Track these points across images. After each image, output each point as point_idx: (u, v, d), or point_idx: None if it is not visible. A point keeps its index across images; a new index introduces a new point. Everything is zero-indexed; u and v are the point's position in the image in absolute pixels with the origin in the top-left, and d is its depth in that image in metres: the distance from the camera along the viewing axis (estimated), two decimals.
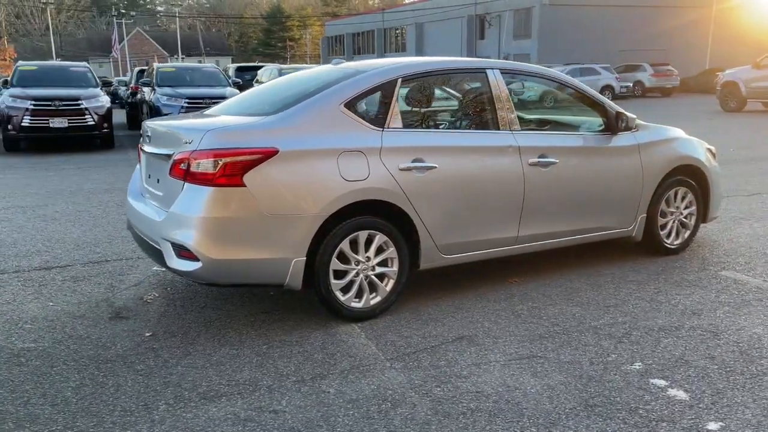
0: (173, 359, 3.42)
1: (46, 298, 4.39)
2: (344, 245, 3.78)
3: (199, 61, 68.16)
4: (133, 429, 2.75)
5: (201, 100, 12.82)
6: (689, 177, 5.26)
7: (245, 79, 18.99)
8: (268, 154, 3.54)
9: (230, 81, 15.69)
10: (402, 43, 54.88)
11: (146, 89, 14.97)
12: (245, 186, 3.48)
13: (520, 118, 4.55)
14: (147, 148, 4.11)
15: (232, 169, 3.46)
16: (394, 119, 3.99)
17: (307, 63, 70.35)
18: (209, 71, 15.83)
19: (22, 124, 12.48)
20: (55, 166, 10.95)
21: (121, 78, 37.74)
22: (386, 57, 55.19)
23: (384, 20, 56.42)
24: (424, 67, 4.27)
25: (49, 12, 69.05)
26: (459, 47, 47.37)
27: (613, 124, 4.81)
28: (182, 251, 3.56)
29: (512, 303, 4.23)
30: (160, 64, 16.37)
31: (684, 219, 5.31)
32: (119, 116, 18.84)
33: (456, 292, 4.41)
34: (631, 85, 33.69)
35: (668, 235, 5.24)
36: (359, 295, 3.90)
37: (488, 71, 4.41)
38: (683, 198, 5.26)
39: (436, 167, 4.02)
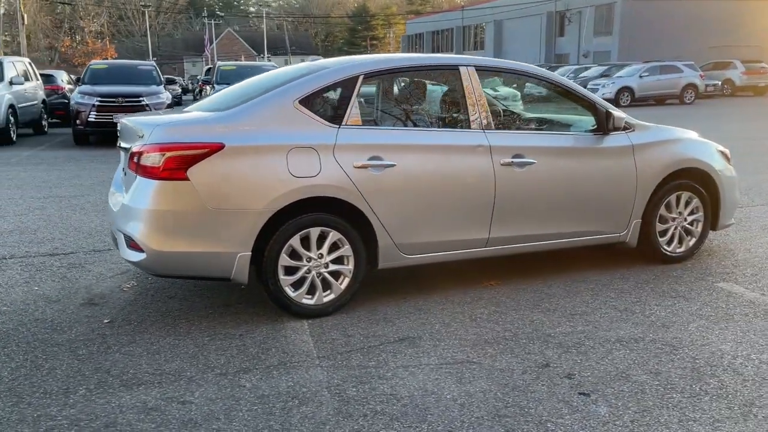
0: (116, 346, 3.54)
1: (34, 282, 4.64)
2: (294, 242, 3.79)
3: (286, 61, 69.94)
4: (44, 411, 2.87)
5: None
6: (695, 181, 4.94)
7: None
8: (213, 149, 3.59)
9: None
10: (480, 41, 54.28)
11: (207, 86, 15.58)
12: (189, 180, 3.55)
13: (500, 117, 4.41)
14: (119, 143, 4.26)
15: (176, 163, 3.54)
16: (353, 116, 3.96)
17: None
18: (269, 69, 16.23)
19: (89, 119, 13.27)
20: (111, 159, 11.52)
21: (194, 75, 39.08)
22: (464, 55, 54.87)
23: (463, 18, 55.93)
24: (389, 64, 4.21)
25: (146, 14, 72.46)
26: (538, 44, 46.37)
27: (604, 124, 4.58)
28: (131, 242, 3.67)
29: (475, 306, 4.11)
30: (222, 62, 16.96)
31: (688, 226, 4.99)
32: None
33: (423, 293, 4.34)
34: (719, 83, 31.87)
35: (669, 242, 4.94)
36: (312, 291, 3.90)
37: (461, 68, 4.30)
38: (687, 203, 4.95)
39: (395, 165, 3.96)
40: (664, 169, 4.78)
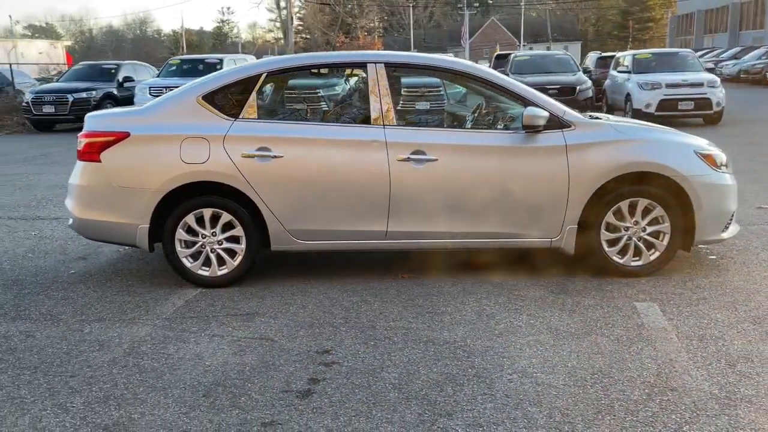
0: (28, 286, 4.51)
1: (40, 239, 5.86)
2: (189, 219, 4.38)
3: (547, 48, 68.64)
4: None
5: (549, 87, 13.86)
6: (657, 187, 4.39)
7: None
8: (120, 137, 4.34)
9: (580, 68, 16.68)
10: (760, 21, 47.38)
11: None
12: (101, 162, 4.35)
13: (411, 113, 4.46)
14: None
15: (92, 148, 4.37)
16: (249, 111, 4.39)
17: (657, 47, 64.98)
18: (561, 58, 16.74)
19: None
20: None
21: None
22: (741, 35, 48.27)
23: None
24: (294, 62, 4.53)
25: (410, 8, 76.39)
26: None
27: (531, 121, 4.32)
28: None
29: (342, 295, 4.29)
30: (518, 52, 17.74)
31: (649, 237, 4.45)
32: None
33: (327, 278, 4.60)
34: None
35: (622, 253, 4.48)
36: (208, 264, 4.45)
37: (369, 65, 4.44)
38: (646, 212, 4.42)
39: (282, 157, 4.31)
40: (608, 172, 4.34)
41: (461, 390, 3.01)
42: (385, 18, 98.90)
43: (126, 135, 4.35)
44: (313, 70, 4.67)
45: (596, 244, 4.46)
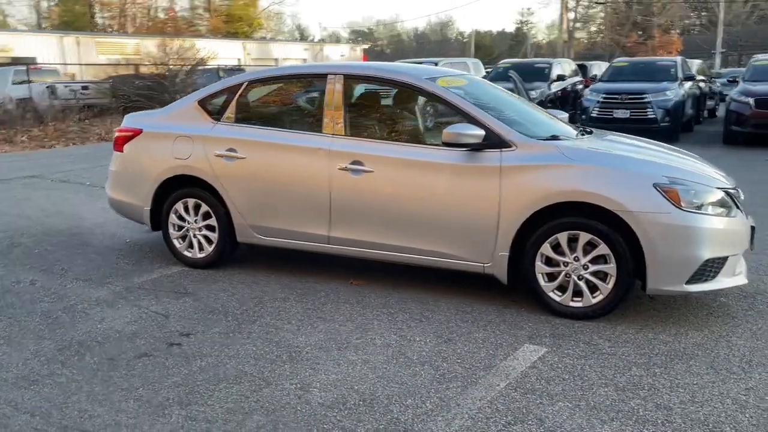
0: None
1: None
2: (178, 206, 5.09)
3: None
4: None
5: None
6: (603, 222, 3.86)
7: None
8: (136, 133, 5.22)
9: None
10: None
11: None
12: (123, 152, 5.28)
13: (357, 124, 4.57)
14: None
15: (120, 141, 5.31)
16: (229, 115, 4.93)
17: None
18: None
19: (592, 114, 13.67)
20: None
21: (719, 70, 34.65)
22: None
23: None
24: (270, 73, 4.92)
25: (721, 6, 69.14)
26: None
27: (451, 138, 4.10)
28: None
29: (276, 290, 4.57)
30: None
31: (591, 277, 3.94)
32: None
33: (287, 274, 4.94)
34: None
35: (561, 291, 4.03)
36: (192, 247, 5.12)
37: (330, 76, 4.64)
38: (589, 249, 3.91)
39: (245, 158, 4.78)
40: (541, 199, 3.94)
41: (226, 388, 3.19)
42: (692, 15, 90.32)
43: (140, 131, 5.21)
44: (285, 81, 5.04)
45: (530, 276, 4.08)
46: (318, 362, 3.47)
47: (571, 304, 4.01)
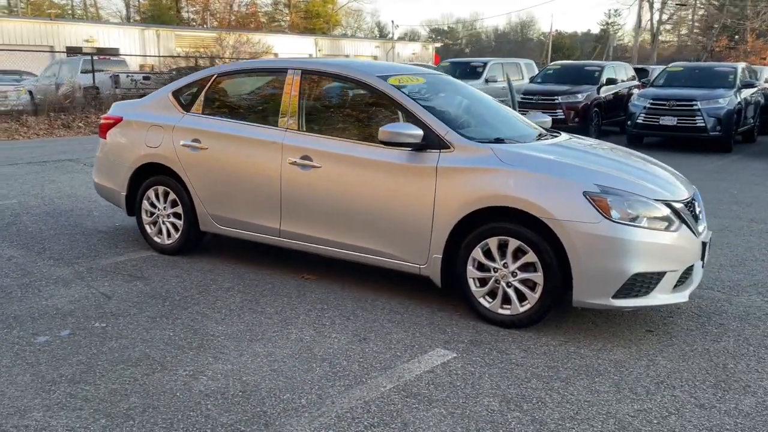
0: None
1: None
2: (150, 193, 5.26)
3: None
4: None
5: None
6: (532, 229, 3.73)
7: None
8: (117, 121, 5.42)
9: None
10: None
11: None
12: (106, 139, 5.50)
13: (311, 119, 4.58)
14: None
15: (104, 128, 5.54)
16: (197, 107, 5.05)
17: None
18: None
19: (638, 120, 13.24)
20: None
21: None
22: None
23: None
24: (237, 67, 5.01)
25: None
26: None
27: (386, 137, 4.06)
28: None
29: (229, 281, 4.65)
30: None
31: (519, 285, 3.82)
32: None
33: (251, 264, 5.02)
34: None
35: (492, 296, 3.93)
36: (161, 233, 5.28)
37: (289, 71, 4.68)
38: (519, 255, 3.79)
39: (207, 149, 4.89)
40: (472, 202, 3.85)
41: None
42: None
43: (120, 119, 5.41)
44: (250, 75, 5.10)
45: (461, 280, 3.99)
46: (223, 352, 3.53)
47: (500, 311, 3.89)
